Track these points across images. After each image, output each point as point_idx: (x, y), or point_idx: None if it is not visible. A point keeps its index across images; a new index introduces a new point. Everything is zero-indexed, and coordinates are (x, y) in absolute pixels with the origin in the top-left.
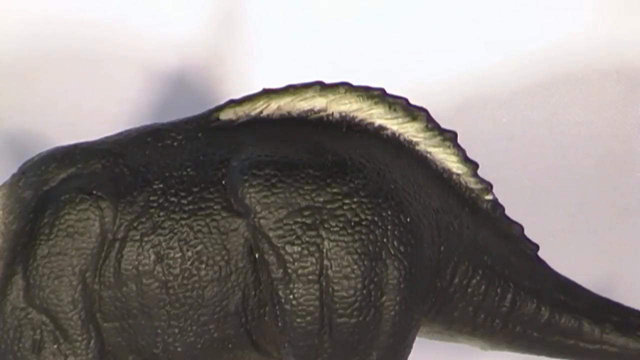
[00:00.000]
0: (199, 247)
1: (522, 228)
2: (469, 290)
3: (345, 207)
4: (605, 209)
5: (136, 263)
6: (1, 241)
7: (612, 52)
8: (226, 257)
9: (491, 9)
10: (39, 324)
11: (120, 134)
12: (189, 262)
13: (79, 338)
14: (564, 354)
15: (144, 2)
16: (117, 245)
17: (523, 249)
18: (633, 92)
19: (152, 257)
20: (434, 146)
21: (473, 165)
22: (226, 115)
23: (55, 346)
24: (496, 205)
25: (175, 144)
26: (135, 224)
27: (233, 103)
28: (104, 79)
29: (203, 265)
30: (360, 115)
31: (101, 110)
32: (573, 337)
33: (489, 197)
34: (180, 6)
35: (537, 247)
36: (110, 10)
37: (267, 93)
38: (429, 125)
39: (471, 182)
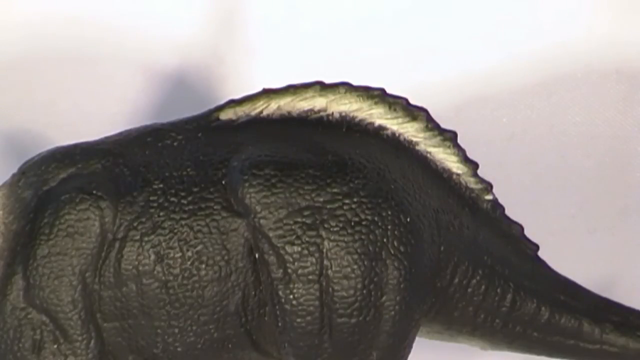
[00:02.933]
0: (199, 247)
1: (522, 228)
2: (469, 290)
3: (345, 207)
4: (605, 209)
5: (136, 263)
6: (1, 241)
7: (612, 52)
8: (226, 257)
9: (491, 9)
10: (39, 324)
11: (120, 134)
12: (189, 262)
13: (79, 338)
14: (564, 354)
15: (144, 2)
16: (117, 245)
17: (523, 249)
18: (633, 92)
19: (152, 257)
20: (434, 146)
21: (473, 165)
22: (226, 115)
23: (55, 346)
24: (496, 205)
25: (175, 144)
26: (135, 224)
27: (233, 103)
28: (104, 79)
29: (203, 265)
30: (360, 115)
31: (101, 110)
32: (573, 337)
33: (489, 197)
34: (180, 6)
35: (537, 247)
36: (110, 10)
37: (267, 93)
38: (429, 125)
39: (471, 182)
